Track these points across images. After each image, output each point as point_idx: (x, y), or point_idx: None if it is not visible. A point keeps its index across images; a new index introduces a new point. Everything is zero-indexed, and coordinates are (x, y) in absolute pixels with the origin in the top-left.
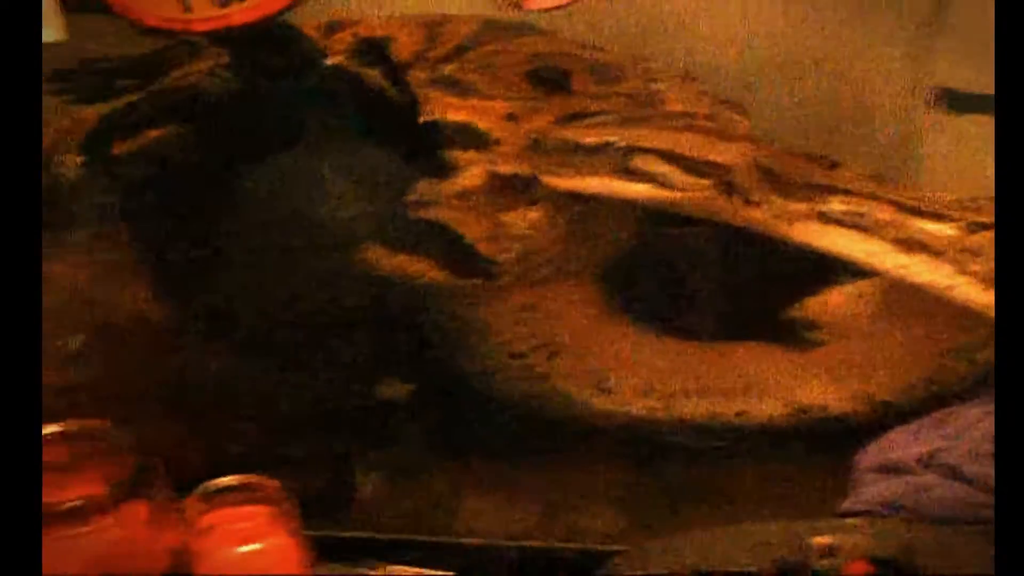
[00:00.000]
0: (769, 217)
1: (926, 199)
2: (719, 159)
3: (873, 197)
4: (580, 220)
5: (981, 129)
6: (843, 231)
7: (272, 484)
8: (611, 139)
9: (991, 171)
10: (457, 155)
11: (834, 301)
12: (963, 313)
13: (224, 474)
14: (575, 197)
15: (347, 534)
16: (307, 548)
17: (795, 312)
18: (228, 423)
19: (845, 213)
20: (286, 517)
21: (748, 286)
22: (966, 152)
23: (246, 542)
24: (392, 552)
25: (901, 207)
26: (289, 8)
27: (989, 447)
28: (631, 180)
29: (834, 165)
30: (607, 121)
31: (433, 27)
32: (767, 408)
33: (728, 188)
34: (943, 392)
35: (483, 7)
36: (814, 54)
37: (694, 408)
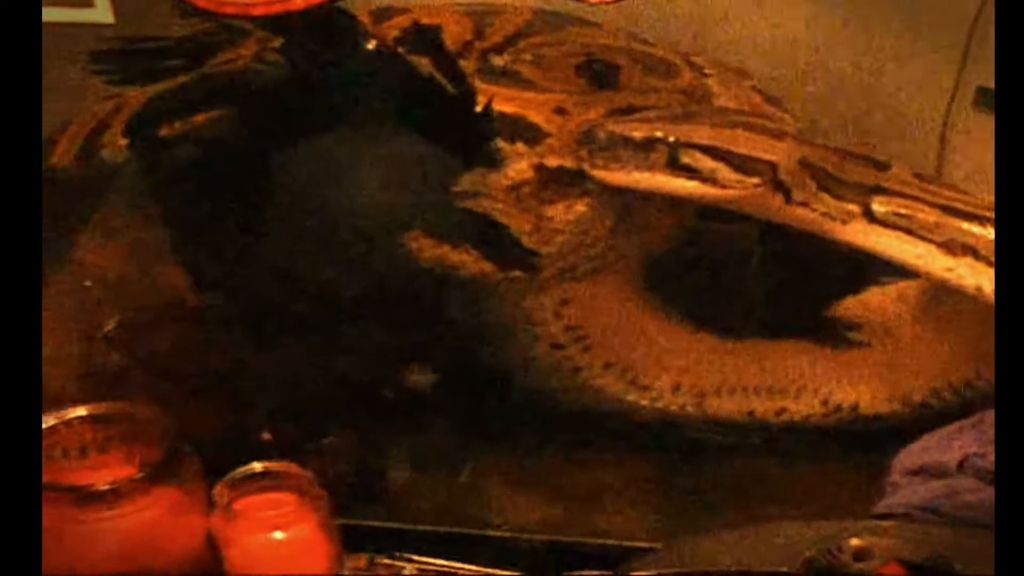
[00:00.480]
0: (817, 216)
1: (971, 201)
2: (768, 156)
3: (920, 199)
4: (625, 215)
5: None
6: (891, 232)
7: (301, 472)
8: (659, 134)
9: None
10: (505, 147)
11: (875, 301)
12: None
13: (254, 460)
14: (621, 192)
15: (375, 523)
16: (335, 537)
17: (835, 311)
18: (260, 409)
19: (893, 214)
20: (315, 505)
21: (789, 284)
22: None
23: (274, 530)
24: (420, 543)
25: (947, 209)
26: None
27: None
28: (679, 176)
29: (883, 166)
30: (656, 116)
31: (483, 16)
32: (804, 407)
33: (776, 186)
34: (981, 396)
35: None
36: (853, 55)
37: (729, 405)
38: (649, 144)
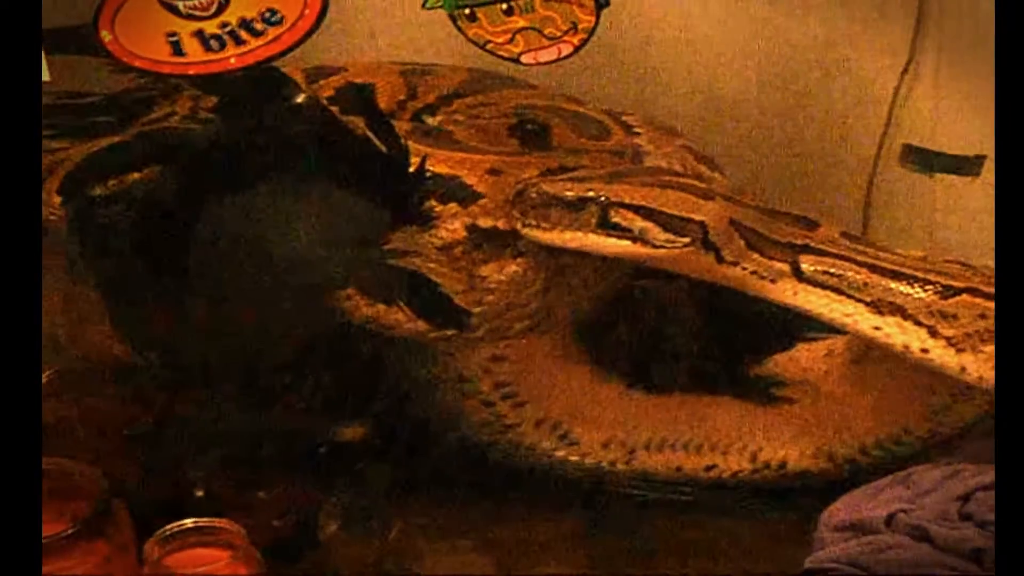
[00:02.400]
0: (747, 275)
1: (898, 260)
2: (698, 216)
3: (848, 258)
4: (558, 274)
5: (949, 190)
6: (819, 291)
7: (233, 527)
8: (591, 194)
9: (959, 233)
10: (438, 207)
11: (803, 358)
12: (931, 375)
13: (185, 516)
14: (554, 252)
15: None
16: None
17: (764, 368)
18: (192, 465)
19: (822, 273)
20: (246, 561)
21: (719, 341)
22: (933, 210)
23: None
24: None
25: (875, 268)
26: (284, 53)
27: (953, 508)
28: (610, 236)
29: (811, 224)
30: (588, 175)
31: (416, 76)
32: (732, 464)
33: (707, 246)
34: (909, 452)
35: (475, 60)
36: (789, 110)
37: (658, 461)
38: (581, 204)
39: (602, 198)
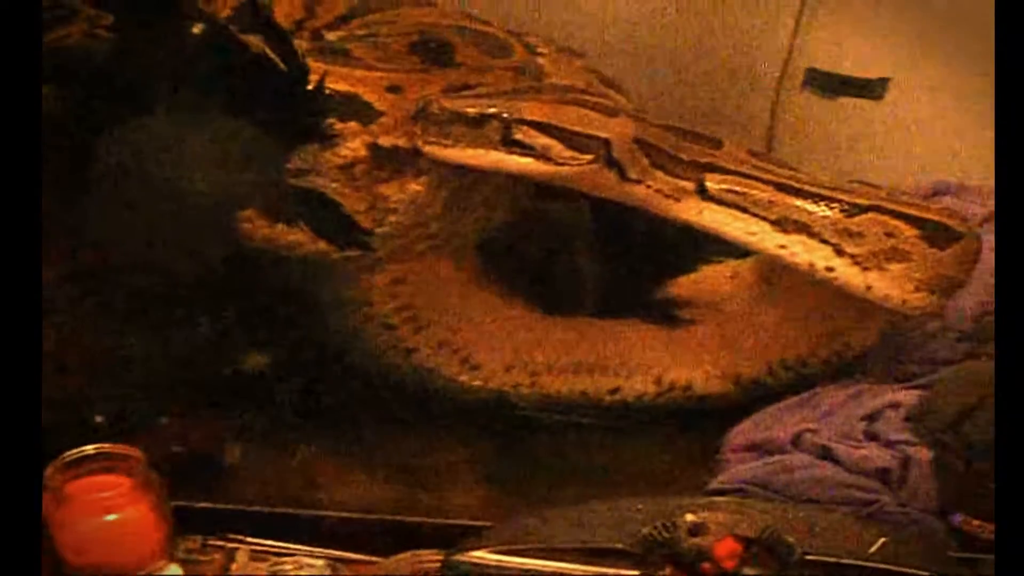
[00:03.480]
0: (651, 194)
1: (804, 179)
2: (601, 133)
3: (753, 177)
4: (461, 194)
5: (851, 111)
6: (724, 210)
7: (134, 454)
8: (493, 110)
9: (863, 155)
10: (338, 126)
11: (708, 280)
12: (836, 295)
13: (87, 443)
14: (457, 171)
15: (208, 505)
16: (169, 519)
17: (668, 290)
18: (93, 391)
19: (727, 191)
20: (148, 487)
21: (622, 263)
22: (837, 132)
23: (106, 512)
24: (254, 524)
25: (780, 187)
26: None
27: (859, 428)
28: (512, 152)
29: (716, 143)
30: (490, 92)
31: None
32: (637, 386)
33: (610, 163)
34: (814, 373)
35: None
36: (693, 32)
37: (562, 384)
38: (482, 120)
39: (504, 115)
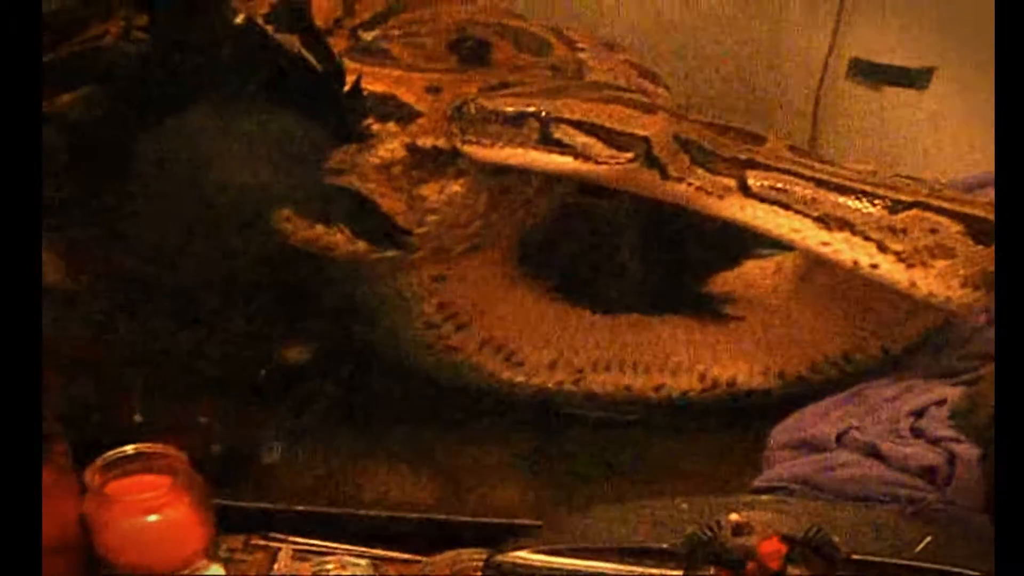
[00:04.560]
0: (693, 191)
1: (846, 175)
2: (641, 131)
3: (795, 172)
4: (501, 194)
5: (896, 100)
6: (767, 206)
7: (175, 453)
8: (531, 109)
9: (910, 144)
10: (376, 127)
11: (752, 275)
12: (882, 290)
13: (127, 442)
14: (497, 171)
15: (250, 504)
16: (210, 518)
17: (712, 286)
18: (133, 390)
19: (769, 188)
20: (188, 487)
21: (666, 259)
22: (881, 124)
23: (147, 512)
24: (295, 522)
25: (822, 183)
26: None
27: (904, 425)
28: (552, 151)
29: (758, 139)
30: (528, 91)
31: None
32: (682, 383)
33: (651, 161)
34: (858, 369)
35: None
36: (729, 19)
37: (606, 381)
38: (521, 119)
39: (543, 113)
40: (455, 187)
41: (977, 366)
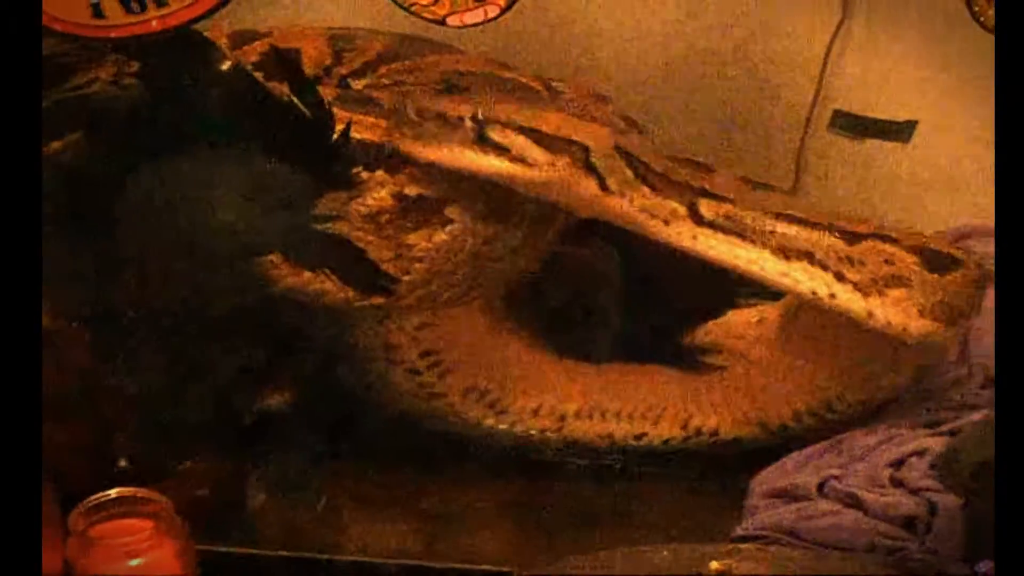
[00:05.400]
0: (635, 211)
1: (803, 206)
2: (580, 138)
3: (752, 204)
4: (486, 243)
5: (875, 155)
6: (721, 236)
7: (158, 498)
8: (469, 109)
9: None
10: (364, 175)
11: (735, 324)
12: (863, 339)
13: (110, 487)
14: (484, 220)
15: (232, 549)
16: (193, 563)
17: (695, 336)
18: (117, 435)
19: (724, 217)
20: (172, 531)
21: (649, 308)
22: (858, 176)
23: (131, 557)
24: (277, 568)
25: (780, 216)
26: (206, 15)
27: (885, 474)
28: (487, 152)
29: (708, 169)
30: (470, 95)
31: (341, 41)
32: (663, 431)
33: (588, 168)
34: (840, 418)
35: (402, 23)
36: (715, 67)
37: (588, 429)
38: (459, 120)
39: (479, 114)
40: (442, 236)
41: (959, 417)
